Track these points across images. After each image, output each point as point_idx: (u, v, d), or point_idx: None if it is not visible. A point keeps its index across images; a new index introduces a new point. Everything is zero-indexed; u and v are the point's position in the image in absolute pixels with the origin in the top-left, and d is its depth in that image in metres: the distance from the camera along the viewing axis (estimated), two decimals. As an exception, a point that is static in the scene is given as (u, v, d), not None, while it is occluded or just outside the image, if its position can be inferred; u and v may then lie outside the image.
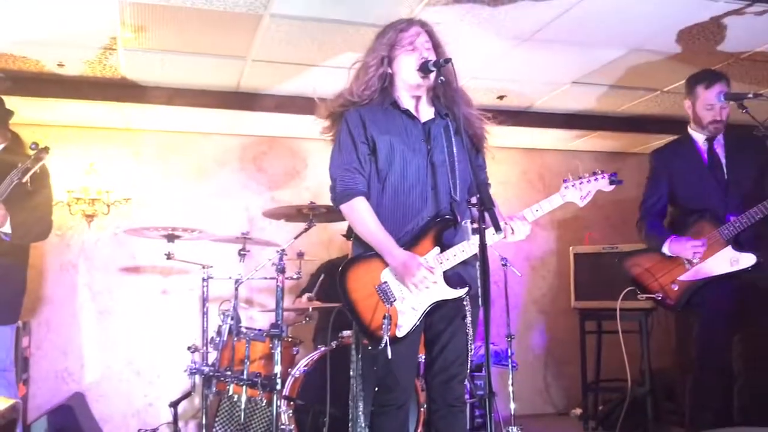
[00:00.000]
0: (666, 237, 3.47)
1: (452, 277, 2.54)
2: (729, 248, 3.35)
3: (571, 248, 5.41)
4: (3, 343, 3.33)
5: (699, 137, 3.56)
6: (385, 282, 2.51)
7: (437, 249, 2.53)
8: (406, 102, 2.66)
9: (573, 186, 2.63)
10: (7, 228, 3.21)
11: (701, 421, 3.37)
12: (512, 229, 2.53)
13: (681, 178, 3.57)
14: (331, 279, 4.37)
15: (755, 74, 4.56)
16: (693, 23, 3.77)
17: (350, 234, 4.68)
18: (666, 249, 3.46)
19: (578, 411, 5.60)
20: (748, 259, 3.33)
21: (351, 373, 2.95)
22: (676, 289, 3.46)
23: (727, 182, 3.46)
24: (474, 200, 2.38)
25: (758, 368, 3.44)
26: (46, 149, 3.23)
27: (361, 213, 2.55)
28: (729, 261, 3.35)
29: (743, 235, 3.35)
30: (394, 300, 2.49)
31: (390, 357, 2.39)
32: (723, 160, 3.51)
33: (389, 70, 2.64)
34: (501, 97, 5.04)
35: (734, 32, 3.87)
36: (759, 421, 3.33)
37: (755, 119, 3.20)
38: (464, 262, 2.56)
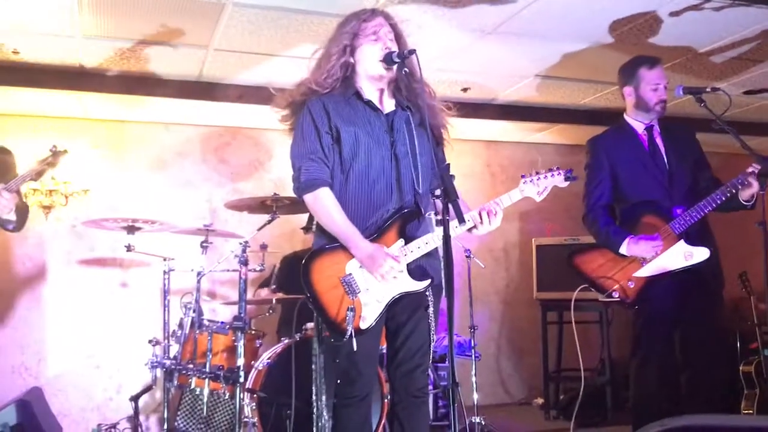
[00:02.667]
0: (623, 238, 3.33)
1: (415, 270, 2.53)
2: (682, 242, 3.26)
3: (533, 240, 5.47)
4: None
5: (638, 126, 3.48)
6: (350, 274, 2.50)
7: (401, 241, 2.52)
8: (369, 93, 2.64)
9: (531, 181, 2.64)
10: (12, 215, 3.18)
11: (645, 411, 3.34)
12: (488, 218, 2.52)
13: (623, 168, 3.45)
14: (294, 271, 4.35)
15: (712, 69, 4.64)
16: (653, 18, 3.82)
17: (309, 227, 4.69)
18: (624, 250, 3.32)
19: (540, 401, 5.67)
20: (702, 253, 3.24)
21: (313, 366, 2.94)
22: (632, 286, 3.33)
23: (669, 173, 3.39)
24: (438, 192, 2.38)
25: (703, 357, 3.35)
26: (64, 152, 3.18)
27: (325, 203, 2.52)
28: (683, 255, 3.26)
29: (691, 229, 3.28)
30: (359, 292, 2.48)
31: (355, 349, 2.39)
32: (663, 150, 3.43)
33: (351, 60, 2.62)
34: (465, 90, 5.06)
35: (693, 27, 3.93)
36: (705, 409, 3.26)
37: (713, 113, 3.23)
38: (427, 254, 2.56)
